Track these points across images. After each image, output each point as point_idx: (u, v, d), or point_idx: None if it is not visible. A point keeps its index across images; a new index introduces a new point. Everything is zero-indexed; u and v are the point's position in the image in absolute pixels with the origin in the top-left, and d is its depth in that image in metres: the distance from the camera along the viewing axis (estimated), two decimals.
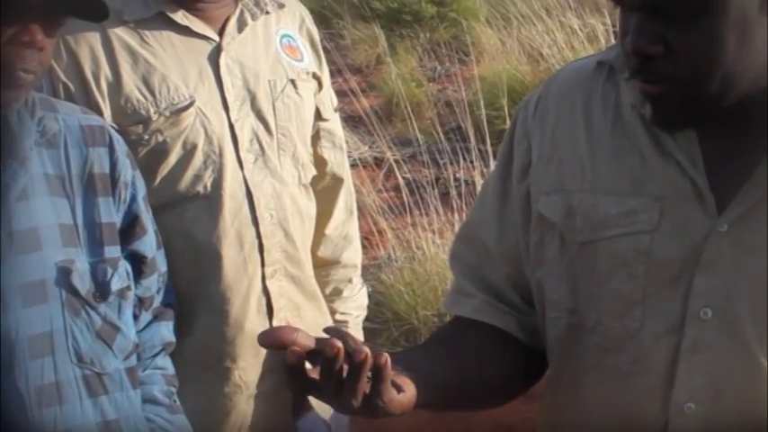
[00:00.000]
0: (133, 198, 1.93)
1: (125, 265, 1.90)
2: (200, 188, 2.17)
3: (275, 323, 2.25)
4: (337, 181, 2.51)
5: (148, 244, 1.96)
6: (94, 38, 2.14)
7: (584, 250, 1.48)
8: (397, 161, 5.38)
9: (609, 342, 1.47)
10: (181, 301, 2.16)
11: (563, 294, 1.51)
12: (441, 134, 5.55)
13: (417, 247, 5.02)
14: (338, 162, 2.49)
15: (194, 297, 2.20)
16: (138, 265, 1.94)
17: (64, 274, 1.79)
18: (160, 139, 2.15)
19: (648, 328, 1.44)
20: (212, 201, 2.18)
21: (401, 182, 5.05)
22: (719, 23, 1.30)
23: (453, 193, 5.22)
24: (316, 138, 2.41)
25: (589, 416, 1.51)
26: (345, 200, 2.54)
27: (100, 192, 1.87)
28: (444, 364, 1.54)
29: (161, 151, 2.15)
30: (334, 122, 2.47)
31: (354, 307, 2.57)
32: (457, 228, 5.03)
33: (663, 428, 1.42)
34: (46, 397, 1.76)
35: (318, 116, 2.40)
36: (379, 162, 6.04)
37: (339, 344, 1.26)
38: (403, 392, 1.35)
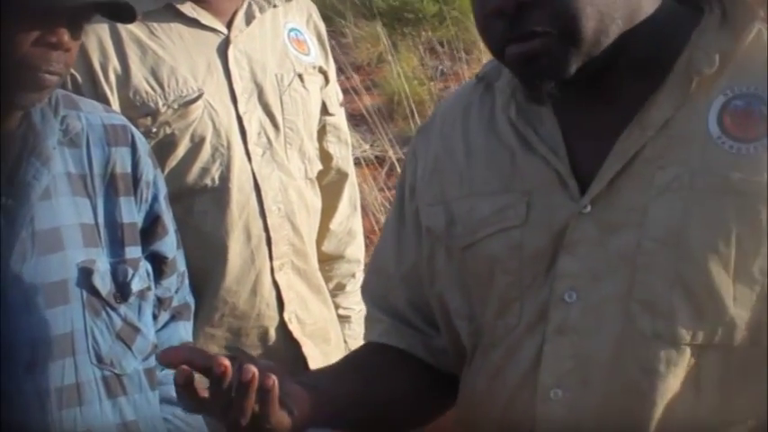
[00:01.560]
0: (155, 198, 1.92)
1: (146, 266, 1.89)
2: (207, 181, 2.18)
3: (286, 316, 2.27)
4: (342, 176, 2.52)
5: (169, 244, 1.95)
6: (103, 30, 2.15)
7: (466, 255, 1.49)
8: (399, 159, 5.37)
9: (493, 340, 1.47)
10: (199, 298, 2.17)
11: (459, 303, 1.52)
12: None
13: None
14: (343, 157, 2.50)
15: (202, 290, 2.20)
16: (159, 265, 1.93)
17: (85, 275, 1.78)
18: (168, 131, 2.16)
19: (524, 320, 1.43)
20: (220, 193, 2.18)
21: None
22: None
23: None
24: (321, 132, 2.42)
25: (478, 414, 1.50)
26: (350, 195, 2.55)
27: (122, 191, 1.86)
28: (351, 384, 1.55)
29: (169, 143, 2.16)
30: (339, 117, 2.48)
31: (357, 302, 2.57)
32: None
33: (532, 418, 1.41)
34: (66, 398, 1.75)
35: (324, 111, 2.41)
36: (380, 160, 6.03)
37: (226, 362, 1.28)
38: (292, 414, 1.36)
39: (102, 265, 1.80)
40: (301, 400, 1.40)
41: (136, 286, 1.84)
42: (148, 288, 1.88)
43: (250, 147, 2.21)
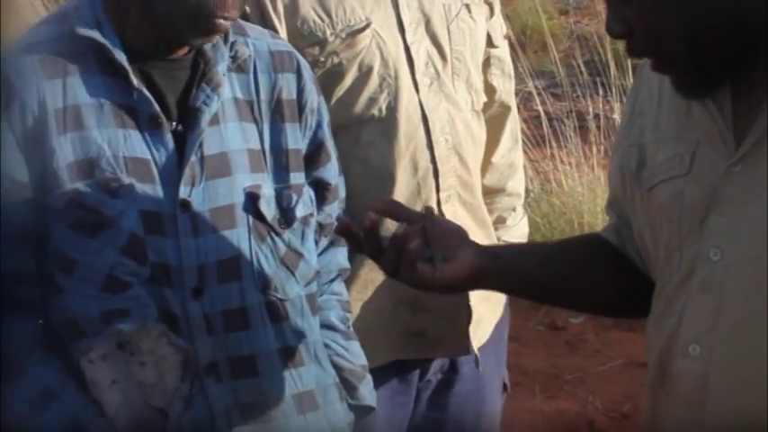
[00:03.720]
0: (318, 125, 1.94)
1: (309, 192, 1.90)
2: (375, 111, 2.18)
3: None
4: (505, 109, 2.50)
5: (332, 171, 1.97)
6: None
7: (650, 197, 1.52)
8: (533, 92, 5.33)
9: (659, 286, 1.53)
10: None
11: (650, 241, 1.55)
12: (581, 66, 5.49)
13: (555, 180, 4.99)
14: (507, 90, 2.49)
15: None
16: (321, 191, 1.95)
17: (252, 200, 1.80)
18: (336, 60, 2.16)
19: (680, 272, 1.47)
20: (387, 124, 2.18)
21: (541, 113, 5.02)
22: None
23: (592, 126, 5.18)
24: (486, 65, 2.40)
25: (648, 351, 1.56)
26: (512, 128, 2.53)
27: (287, 117, 1.88)
28: (538, 260, 1.69)
29: (336, 73, 2.17)
30: (503, 49, 2.46)
31: (517, 236, 2.57)
32: (595, 162, 5.00)
33: (670, 371, 1.47)
34: (232, 321, 1.79)
35: (489, 43, 2.39)
36: (516, 92, 6.00)
37: (374, 216, 1.54)
38: (433, 275, 1.53)
39: (267, 190, 1.83)
40: (464, 266, 1.56)
41: (300, 212, 1.86)
42: (311, 214, 1.90)
43: (418, 77, 2.20)
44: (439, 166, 2.23)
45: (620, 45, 5.43)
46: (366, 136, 2.19)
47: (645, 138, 1.55)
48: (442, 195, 2.24)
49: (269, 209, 1.82)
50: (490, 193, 2.51)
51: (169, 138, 1.75)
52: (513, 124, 2.54)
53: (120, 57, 1.73)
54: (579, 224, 4.74)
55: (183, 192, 1.75)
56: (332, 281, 2.03)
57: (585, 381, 4.24)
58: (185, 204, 1.75)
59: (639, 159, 1.54)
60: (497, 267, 1.60)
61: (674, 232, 1.47)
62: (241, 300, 1.79)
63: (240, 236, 1.79)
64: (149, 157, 1.74)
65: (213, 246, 1.77)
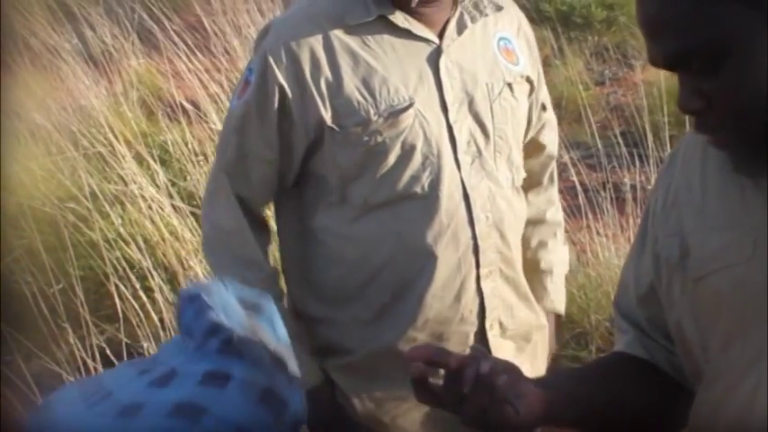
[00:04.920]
0: None
1: None
2: (417, 189, 2.21)
3: (488, 324, 2.29)
4: (551, 159, 2.57)
5: None
6: (316, 41, 2.20)
7: (698, 287, 1.49)
8: (569, 163, 5.35)
9: (717, 373, 1.48)
10: (392, 300, 2.21)
11: (692, 332, 1.52)
12: (617, 137, 5.51)
13: (591, 251, 4.99)
14: (554, 142, 2.56)
15: (406, 296, 2.24)
16: None
17: None
18: (379, 139, 2.20)
19: (746, 356, 1.43)
20: (429, 201, 2.21)
21: (576, 184, 5.03)
22: (743, 62, 1.31)
23: (628, 197, 5.18)
24: (540, 128, 2.47)
25: None
26: (551, 170, 2.58)
27: None
28: (592, 386, 1.61)
29: (380, 152, 2.20)
30: (550, 111, 2.52)
31: (559, 259, 2.59)
32: (631, 234, 4.99)
33: None
34: None
35: (543, 109, 2.44)
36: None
37: (463, 359, 1.41)
38: (518, 414, 1.44)
39: None
40: (535, 401, 1.47)
41: None
42: None
43: (460, 156, 2.24)
44: (479, 242, 2.25)
45: (658, 116, 5.47)
46: (408, 212, 2.22)
47: (684, 227, 1.53)
48: (483, 271, 2.27)
49: None
50: (530, 224, 2.52)
51: None
52: (553, 166, 2.59)
53: None
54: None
55: None
56: None
57: None
58: None
59: (682, 250, 1.51)
60: (561, 398, 1.55)
61: (737, 320, 1.44)
62: None
63: None
64: None
65: None
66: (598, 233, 5.04)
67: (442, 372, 1.46)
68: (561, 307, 2.57)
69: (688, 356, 1.56)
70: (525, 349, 2.40)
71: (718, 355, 1.47)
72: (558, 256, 2.58)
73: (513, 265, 2.34)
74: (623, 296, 1.68)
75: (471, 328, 2.30)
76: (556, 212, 2.60)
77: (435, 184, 2.21)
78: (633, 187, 5.36)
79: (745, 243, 1.43)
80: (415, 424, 2.31)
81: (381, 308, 2.26)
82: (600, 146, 5.59)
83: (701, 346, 1.51)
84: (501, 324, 2.32)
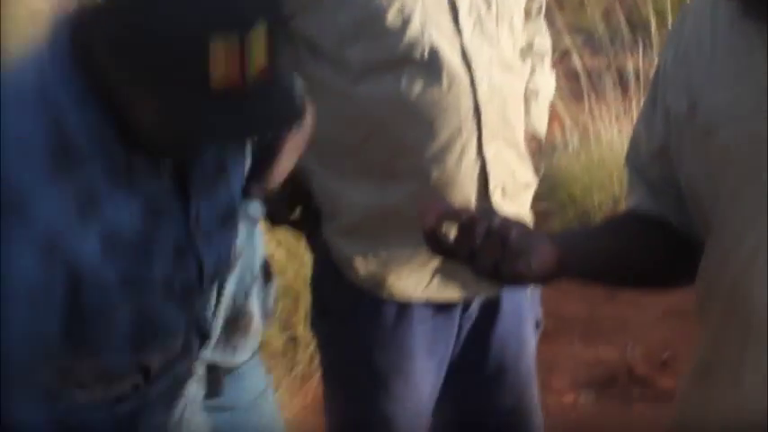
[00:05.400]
0: None
1: None
2: (416, 53, 2.20)
3: (491, 187, 2.31)
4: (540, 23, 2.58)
5: None
6: None
7: (707, 141, 1.50)
8: (572, 47, 5.35)
9: (725, 225, 1.50)
10: (390, 162, 2.25)
11: (703, 185, 1.54)
12: (621, 23, 5.49)
13: (594, 133, 5.03)
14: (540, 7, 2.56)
15: (405, 157, 2.27)
16: None
17: None
18: (377, 2, 2.18)
19: (750, 209, 1.45)
20: (430, 66, 2.21)
21: (579, 68, 5.05)
22: None
23: (632, 81, 5.19)
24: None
25: (710, 290, 1.55)
26: (539, 2, 2.55)
27: None
28: (603, 241, 1.66)
29: (377, 17, 2.19)
30: None
31: (544, 84, 2.58)
32: (634, 115, 5.01)
33: (752, 302, 1.45)
34: None
35: None
36: (553, 48, 6.02)
37: (431, 221, 1.45)
38: (529, 267, 1.48)
39: None
40: (547, 254, 1.51)
41: None
42: None
43: (461, 21, 2.24)
44: (481, 107, 2.26)
45: (662, 1, 5.42)
46: (408, 76, 2.22)
47: (693, 82, 1.53)
48: (485, 135, 2.29)
49: None
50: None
51: None
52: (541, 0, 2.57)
53: None
54: (618, 176, 4.76)
55: None
56: None
57: (625, 329, 4.27)
58: None
59: (691, 104, 1.53)
60: (573, 252, 1.57)
61: (744, 173, 1.45)
62: None
63: None
64: None
65: None
66: (601, 115, 5.06)
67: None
68: (542, 131, 2.57)
69: (699, 210, 1.58)
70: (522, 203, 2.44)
71: (728, 204, 1.49)
72: (544, 81, 2.57)
73: (513, 129, 2.36)
74: (635, 153, 1.70)
75: (473, 193, 2.33)
76: (543, 41, 2.59)
77: (435, 49, 2.21)
78: (636, 72, 5.37)
79: (753, 96, 1.44)
80: (420, 284, 2.36)
81: (381, 167, 2.28)
82: (603, 31, 5.59)
83: (712, 198, 1.53)
84: (503, 188, 2.34)
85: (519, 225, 1.50)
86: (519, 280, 1.51)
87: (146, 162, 1.54)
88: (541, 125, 2.55)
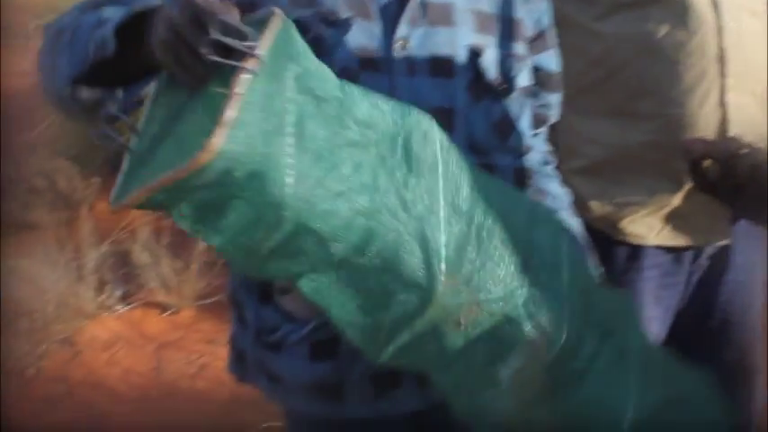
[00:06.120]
0: (544, 12, 1.92)
1: (530, 68, 1.88)
2: None
3: (730, 135, 2.27)
4: None
5: (553, 59, 1.95)
6: None
7: None
8: None
9: None
10: (630, 103, 2.25)
11: None
12: None
13: None
14: None
15: (645, 98, 2.25)
16: (541, 78, 1.93)
17: (473, 56, 1.76)
18: None
19: None
20: (677, 6, 2.19)
21: None
22: None
23: None
24: None
25: None
26: None
27: None
28: None
29: None
30: None
31: None
32: None
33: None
34: None
35: None
36: None
37: (730, 151, 1.46)
38: None
39: (491, 51, 1.79)
40: None
41: (521, 82, 1.83)
42: (532, 92, 1.89)
43: None
44: (726, 52, 2.22)
45: None
46: (655, 16, 2.21)
47: None
48: (729, 81, 2.24)
49: (490, 69, 1.78)
50: None
51: None
52: None
53: None
54: None
55: (402, 31, 1.72)
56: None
57: None
58: (403, 43, 1.72)
59: None
60: None
61: None
62: None
63: (456, 88, 1.75)
64: None
65: (427, 90, 1.73)
66: None
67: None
68: None
69: None
70: None
71: None
72: None
73: (759, 78, 2.28)
74: None
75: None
76: None
77: None
78: None
79: None
80: (653, 229, 2.35)
81: (621, 107, 2.26)
82: None
83: None
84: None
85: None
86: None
87: None
88: None
